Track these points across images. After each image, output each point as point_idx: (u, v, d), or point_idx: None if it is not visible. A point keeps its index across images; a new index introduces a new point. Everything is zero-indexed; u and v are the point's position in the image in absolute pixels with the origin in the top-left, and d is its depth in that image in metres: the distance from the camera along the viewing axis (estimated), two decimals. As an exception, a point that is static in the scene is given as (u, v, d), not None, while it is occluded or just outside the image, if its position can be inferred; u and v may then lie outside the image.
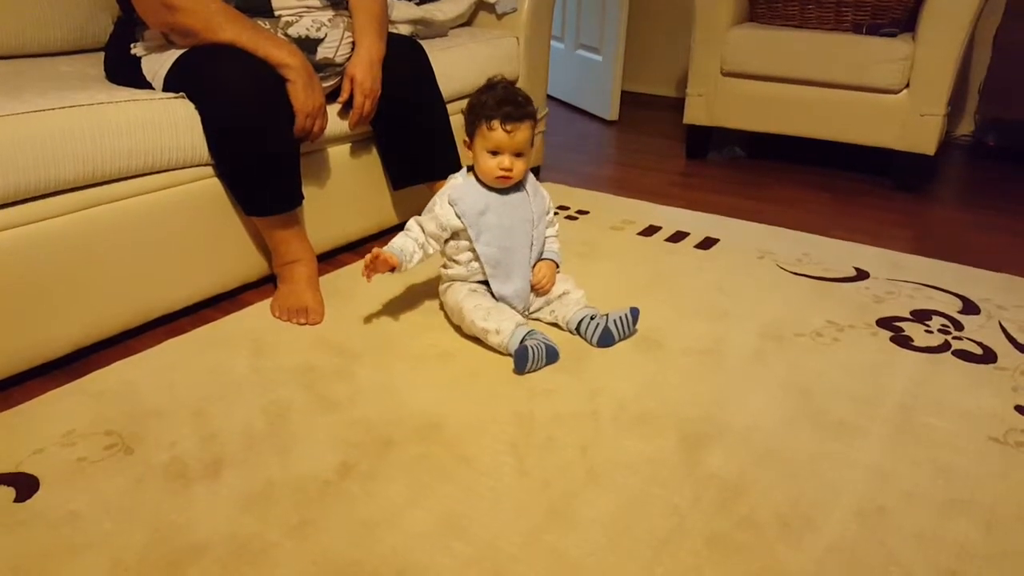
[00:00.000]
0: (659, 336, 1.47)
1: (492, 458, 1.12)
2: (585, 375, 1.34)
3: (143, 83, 1.46)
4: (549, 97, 2.77)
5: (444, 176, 1.52)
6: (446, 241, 1.44)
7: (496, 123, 1.35)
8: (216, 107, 1.40)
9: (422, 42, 1.84)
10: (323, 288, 1.57)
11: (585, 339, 1.44)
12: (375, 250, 1.37)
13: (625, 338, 1.45)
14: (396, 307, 1.56)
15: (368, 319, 1.51)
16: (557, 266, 1.50)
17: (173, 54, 1.43)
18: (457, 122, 1.56)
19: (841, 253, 1.91)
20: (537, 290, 1.48)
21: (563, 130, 3.16)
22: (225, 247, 1.54)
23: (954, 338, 1.51)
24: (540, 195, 1.49)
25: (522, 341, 1.34)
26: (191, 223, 1.46)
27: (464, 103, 1.44)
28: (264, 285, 1.65)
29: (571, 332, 1.47)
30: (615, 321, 1.42)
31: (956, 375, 1.38)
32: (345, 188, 1.76)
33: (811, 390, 1.31)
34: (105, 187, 1.32)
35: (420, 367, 1.36)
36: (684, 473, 1.10)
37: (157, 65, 1.45)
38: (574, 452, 1.14)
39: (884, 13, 2.43)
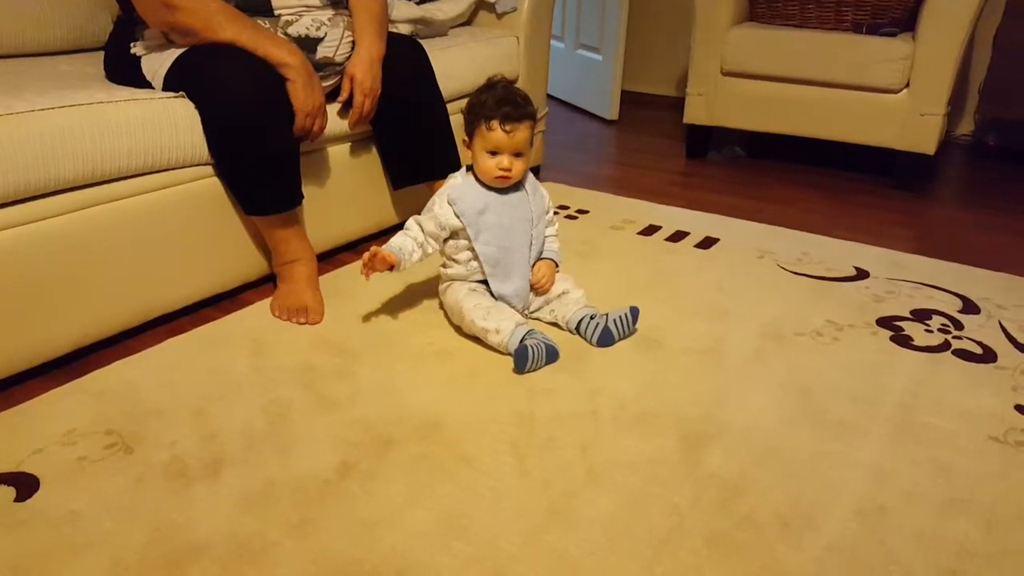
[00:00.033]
0: (659, 336, 1.47)
1: (492, 458, 1.12)
2: (585, 375, 1.34)
3: (143, 82, 1.46)
4: (549, 97, 2.77)
5: (444, 176, 1.52)
6: (445, 240, 1.44)
7: (495, 123, 1.35)
8: (216, 106, 1.40)
9: (422, 41, 1.84)
10: (323, 287, 1.57)
11: (585, 339, 1.44)
12: (373, 248, 1.37)
13: (625, 338, 1.45)
14: (396, 306, 1.56)
15: (368, 318, 1.51)
16: (557, 265, 1.50)
17: (173, 53, 1.43)
18: (457, 122, 1.56)
19: (841, 253, 1.90)
20: (536, 289, 1.47)
21: (563, 130, 3.16)
22: (225, 247, 1.54)
23: (954, 337, 1.51)
24: (539, 194, 1.49)
25: (522, 340, 1.34)
26: (191, 223, 1.46)
27: (464, 103, 1.44)
28: (264, 284, 1.65)
29: (571, 332, 1.47)
30: (615, 321, 1.42)
31: (956, 374, 1.38)
32: (345, 188, 1.76)
33: (811, 389, 1.31)
34: (105, 186, 1.32)
35: (420, 366, 1.36)
36: (684, 473, 1.10)
37: (157, 64, 1.45)
38: (574, 452, 1.14)
39: (884, 13, 2.43)
